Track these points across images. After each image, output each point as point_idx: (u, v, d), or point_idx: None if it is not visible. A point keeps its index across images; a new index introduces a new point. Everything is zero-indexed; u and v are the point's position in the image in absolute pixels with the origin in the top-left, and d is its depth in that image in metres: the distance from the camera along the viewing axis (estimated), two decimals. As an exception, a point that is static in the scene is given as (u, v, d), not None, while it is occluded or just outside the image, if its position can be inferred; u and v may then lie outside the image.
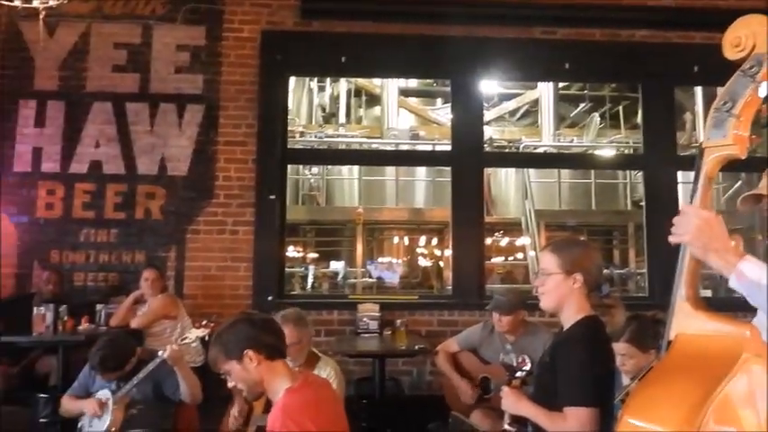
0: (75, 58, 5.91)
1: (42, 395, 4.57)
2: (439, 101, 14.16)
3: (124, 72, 5.92)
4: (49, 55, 5.88)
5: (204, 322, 3.62)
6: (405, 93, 13.24)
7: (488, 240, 9.70)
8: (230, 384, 2.24)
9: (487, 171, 8.91)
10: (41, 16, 4.48)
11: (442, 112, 13.08)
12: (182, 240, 5.77)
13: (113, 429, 3.40)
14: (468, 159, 6.10)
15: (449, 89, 7.36)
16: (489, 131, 10.62)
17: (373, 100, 13.59)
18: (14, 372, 5.17)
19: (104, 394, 3.50)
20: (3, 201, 5.72)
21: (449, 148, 6.50)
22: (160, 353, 3.49)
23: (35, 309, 4.89)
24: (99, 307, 5.22)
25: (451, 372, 4.02)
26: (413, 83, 13.87)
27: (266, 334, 2.17)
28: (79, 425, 3.56)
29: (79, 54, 5.92)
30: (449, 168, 6.53)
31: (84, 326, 4.98)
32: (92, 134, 5.84)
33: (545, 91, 11.88)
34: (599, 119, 12.11)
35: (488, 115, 11.38)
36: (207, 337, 3.57)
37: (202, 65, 5.95)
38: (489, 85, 10.23)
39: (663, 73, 6.07)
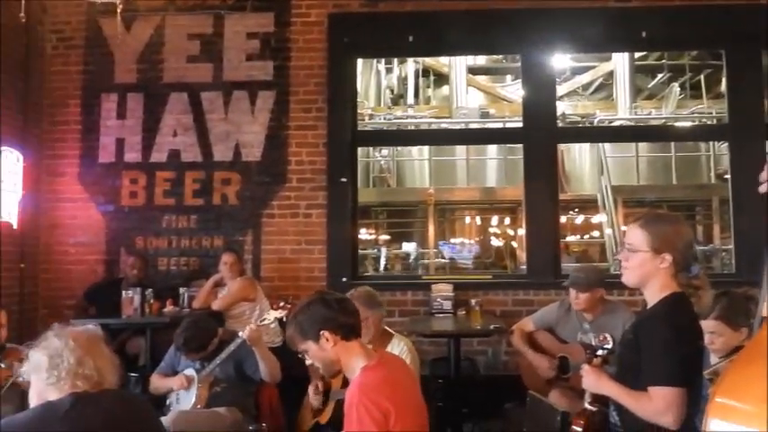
0: (151, 51, 6.11)
1: (133, 374, 4.79)
2: (508, 77, 13.90)
3: (198, 62, 6.07)
4: (127, 49, 6.11)
5: (282, 303, 3.71)
6: (473, 71, 13.07)
7: (563, 218, 9.47)
8: (308, 362, 2.28)
9: (561, 147, 8.68)
10: (119, 10, 4.65)
11: (512, 89, 12.84)
12: (257, 224, 5.91)
13: (199, 406, 3.54)
14: (540, 136, 5.95)
15: (519, 65, 7.21)
16: (562, 107, 10.35)
17: (441, 79, 13.46)
18: (117, 358, 5.44)
19: (189, 373, 3.65)
20: (91, 191, 6.02)
21: (520, 124, 6.36)
22: (240, 333, 3.60)
23: (123, 293, 5.13)
24: (182, 290, 5.43)
25: (528, 351, 3.97)
26: (481, 60, 13.66)
27: (342, 314, 2.19)
28: (167, 402, 3.73)
29: (155, 47, 6.12)
30: (521, 146, 6.40)
31: (168, 308, 5.19)
32: (170, 124, 6.04)
33: (620, 62, 11.48)
34: (679, 89, 11.59)
35: (560, 90, 11.10)
36: (285, 318, 3.66)
37: (272, 51, 6.04)
38: (561, 59, 9.94)
39: (749, 36, 5.71)
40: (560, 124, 8.39)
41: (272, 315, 3.75)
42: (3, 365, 3.25)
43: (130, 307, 5.04)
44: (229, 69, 6.05)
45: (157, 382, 3.79)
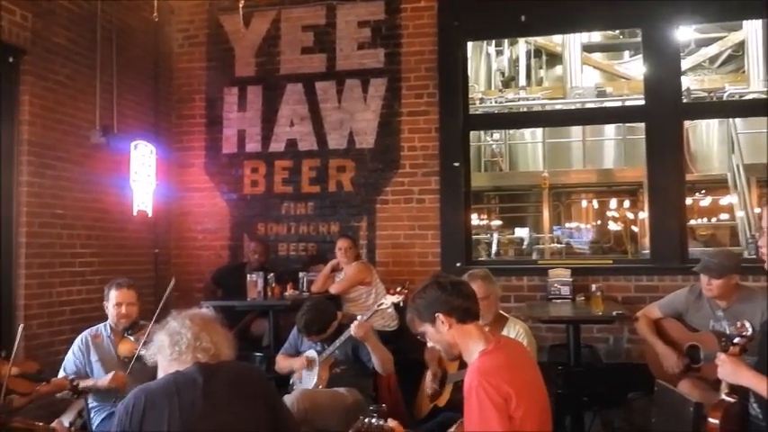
0: (268, 44, 6.34)
1: (257, 353, 5.04)
2: (626, 53, 13.30)
3: (312, 53, 6.23)
4: (247, 43, 6.37)
5: (399, 288, 3.75)
6: (588, 48, 12.61)
7: (688, 200, 8.94)
8: (429, 345, 2.31)
9: (686, 124, 8.18)
10: (241, 6, 4.86)
11: (631, 66, 12.30)
12: (372, 210, 6.01)
13: (320, 386, 3.67)
14: (664, 113, 5.61)
15: (638, 39, 6.88)
16: (686, 82, 9.75)
17: (554, 59, 13.10)
18: (232, 333, 5.75)
19: (311, 354, 3.79)
20: (215, 180, 6.36)
21: (641, 102, 6.04)
22: (359, 317, 3.68)
23: (248, 276, 5.38)
24: (301, 275, 5.62)
25: (655, 339, 3.78)
26: (596, 37, 13.14)
27: (457, 297, 2.19)
28: (291, 382, 3.88)
29: (272, 40, 6.34)
30: (642, 125, 6.09)
31: (289, 292, 5.39)
32: (286, 114, 6.25)
33: (751, 31, 10.62)
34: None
35: (684, 64, 10.44)
36: (401, 303, 3.71)
37: (383, 39, 6.09)
38: (684, 31, 9.35)
39: None
40: (685, 100, 7.91)
41: (389, 300, 3.79)
42: (132, 339, 3.50)
43: (254, 290, 5.27)
44: (342, 58, 6.17)
45: (282, 363, 3.95)
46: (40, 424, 2.75)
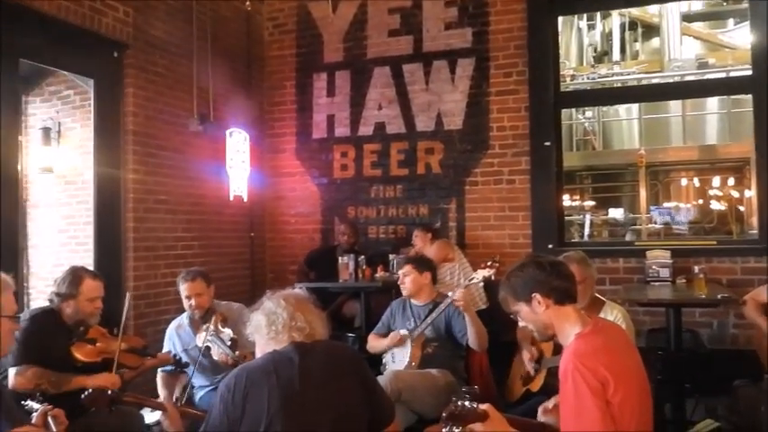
0: (355, 29, 6.38)
1: (350, 334, 5.14)
2: (730, 22, 12.49)
3: (399, 35, 6.23)
4: (334, 29, 6.45)
5: (489, 263, 3.71)
6: (687, 18, 11.92)
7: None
8: (521, 325, 2.27)
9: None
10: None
11: (736, 34, 11.53)
12: (461, 192, 5.97)
13: (413, 364, 3.69)
14: (774, 83, 5.23)
15: (744, 6, 6.42)
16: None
17: (651, 31, 12.47)
18: (325, 314, 5.88)
19: (403, 332, 3.82)
20: (306, 165, 6.50)
21: (748, 72, 5.66)
22: (450, 294, 3.67)
23: (339, 259, 5.49)
24: (391, 257, 5.66)
25: (765, 324, 3.57)
26: (696, 5, 12.41)
27: (555, 278, 2.13)
28: (383, 361, 3.93)
29: (359, 24, 6.38)
30: (749, 97, 5.70)
31: (380, 274, 5.46)
32: (374, 98, 6.29)
33: None
34: None
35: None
36: (492, 277, 3.68)
37: (470, 18, 5.99)
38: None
39: None
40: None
41: (480, 274, 3.75)
42: (212, 328, 3.41)
43: (346, 272, 5.37)
44: (428, 40, 6.13)
45: (374, 342, 4.01)
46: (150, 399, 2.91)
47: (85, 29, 4.54)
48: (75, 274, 3.24)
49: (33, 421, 2.19)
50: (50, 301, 3.27)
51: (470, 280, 3.82)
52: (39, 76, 5.31)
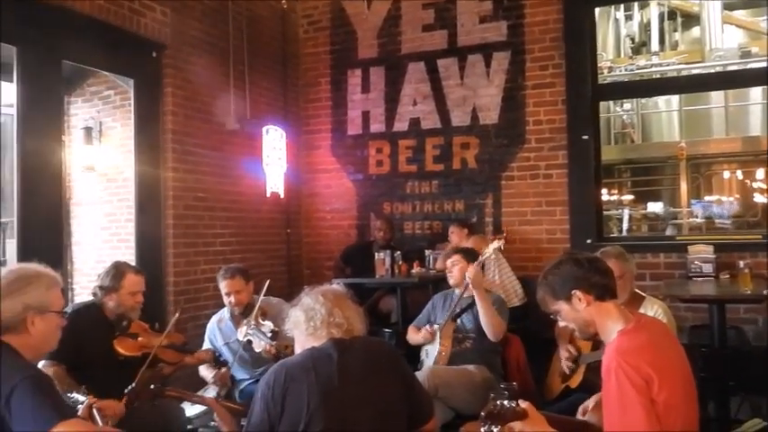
0: (389, 24, 6.38)
1: (386, 330, 5.14)
2: (775, 9, 12.09)
3: (433, 30, 6.20)
4: (368, 26, 6.45)
5: (497, 235, 3.71)
6: (729, 6, 11.60)
7: None
8: (561, 324, 2.24)
9: None
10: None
11: (781, 22, 11.16)
12: (497, 187, 5.92)
13: (443, 353, 3.67)
14: (822, 72, 5.07)
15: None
16: None
17: (690, 20, 12.19)
18: (362, 310, 5.90)
19: (435, 327, 3.81)
20: (342, 161, 6.53)
21: (795, 61, 5.49)
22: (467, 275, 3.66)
23: (375, 254, 5.49)
24: (427, 252, 5.66)
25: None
26: (739, -8, 12.07)
27: (594, 274, 2.09)
28: (421, 358, 3.93)
29: (393, 20, 6.37)
30: (795, 86, 5.55)
31: (416, 269, 5.46)
32: (409, 93, 6.28)
33: None
34: None
35: None
36: (501, 247, 3.69)
37: (505, 11, 5.93)
38: None
39: None
40: None
41: (491, 247, 3.74)
42: (252, 322, 3.48)
43: (382, 267, 5.37)
44: (463, 34, 6.09)
45: (411, 333, 4.02)
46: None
47: (125, 30, 4.63)
48: (119, 269, 3.32)
49: (79, 413, 2.24)
50: (94, 294, 3.35)
51: (484, 255, 3.79)
52: (80, 77, 5.44)
